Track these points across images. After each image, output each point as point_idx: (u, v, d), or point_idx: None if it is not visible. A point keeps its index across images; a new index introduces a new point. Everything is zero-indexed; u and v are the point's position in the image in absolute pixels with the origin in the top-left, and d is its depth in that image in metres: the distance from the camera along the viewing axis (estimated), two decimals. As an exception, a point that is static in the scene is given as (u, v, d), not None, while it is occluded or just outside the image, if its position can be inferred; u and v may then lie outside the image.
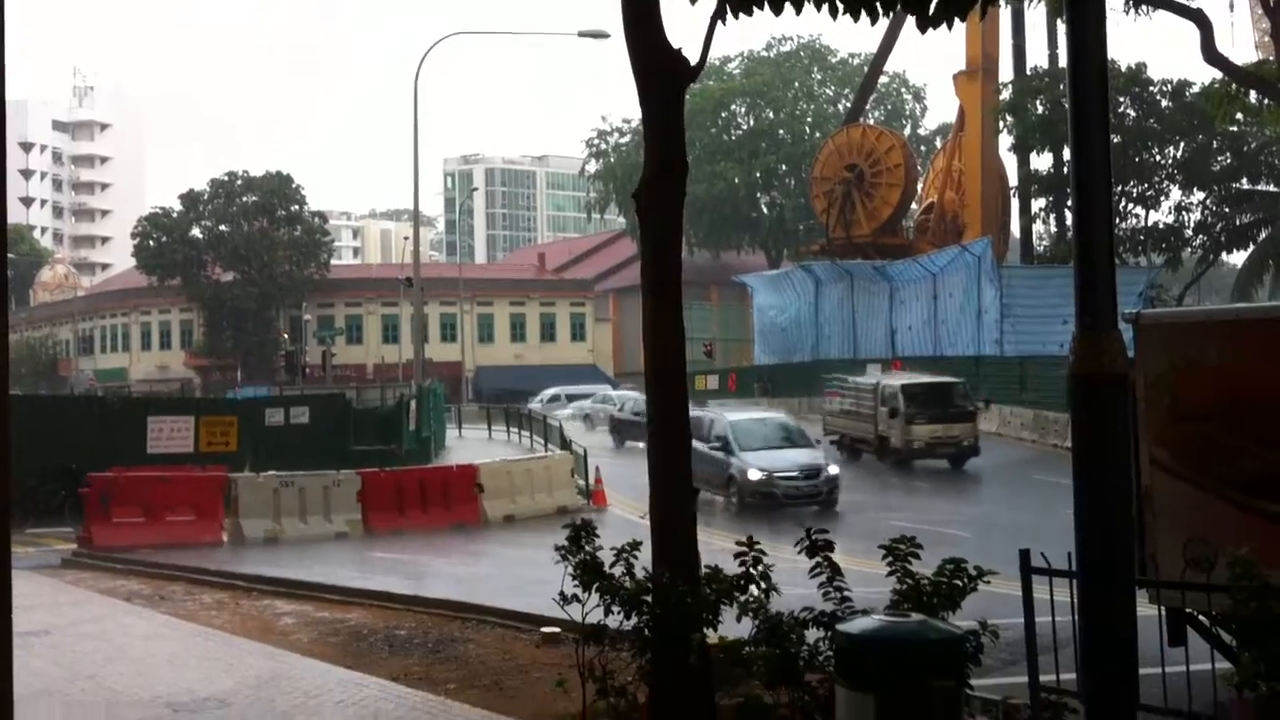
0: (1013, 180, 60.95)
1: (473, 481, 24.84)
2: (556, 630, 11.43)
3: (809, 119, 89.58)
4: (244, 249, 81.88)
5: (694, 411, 25.35)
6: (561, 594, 8.65)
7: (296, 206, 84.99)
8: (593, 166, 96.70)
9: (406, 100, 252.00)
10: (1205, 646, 9.20)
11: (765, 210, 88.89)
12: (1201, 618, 9.50)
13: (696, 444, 23.17)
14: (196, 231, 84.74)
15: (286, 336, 77.64)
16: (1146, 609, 9.39)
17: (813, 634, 7.44)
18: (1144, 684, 8.08)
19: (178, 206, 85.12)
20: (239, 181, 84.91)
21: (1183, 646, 9.53)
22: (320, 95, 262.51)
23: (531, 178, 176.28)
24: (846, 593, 7.49)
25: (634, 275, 76.88)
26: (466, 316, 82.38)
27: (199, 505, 21.82)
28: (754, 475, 24.78)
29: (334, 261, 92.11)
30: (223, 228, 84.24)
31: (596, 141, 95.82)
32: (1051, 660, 8.58)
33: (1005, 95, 57.45)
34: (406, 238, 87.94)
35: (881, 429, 33.05)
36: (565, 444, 32.82)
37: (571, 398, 62.90)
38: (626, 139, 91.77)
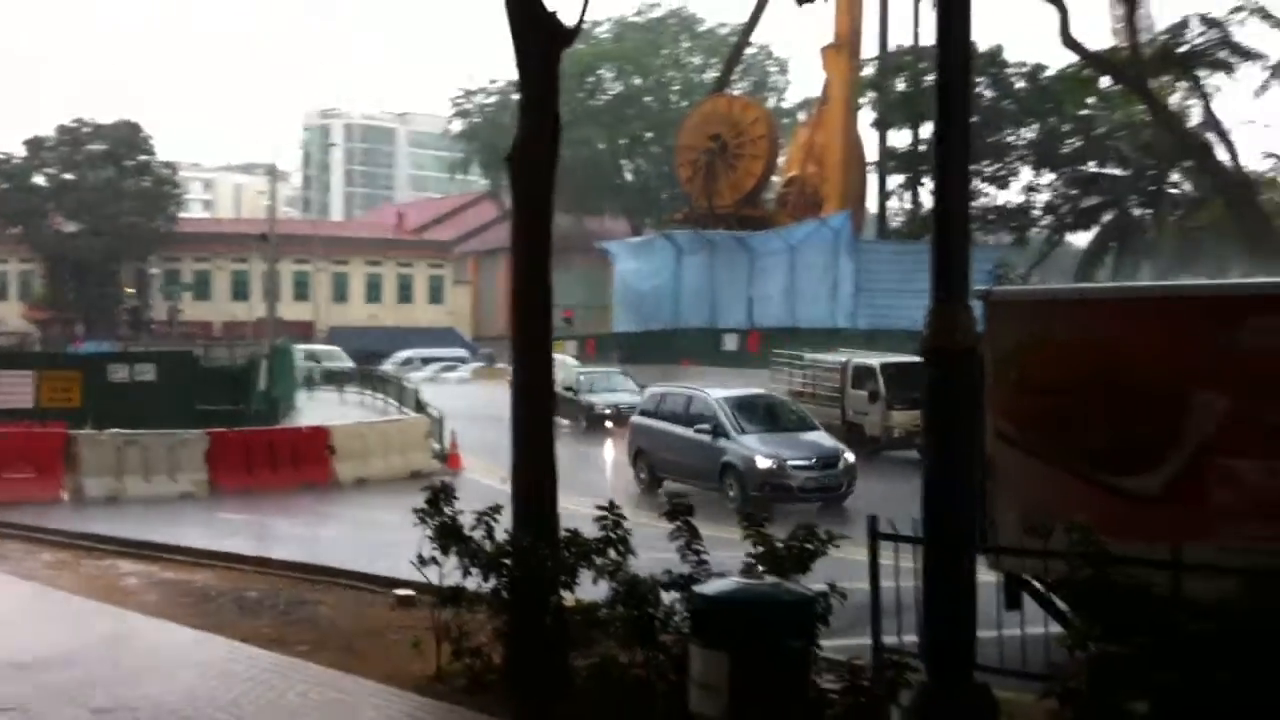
0: (872, 156, 62.14)
1: (324, 443, 24.46)
2: (410, 593, 11.37)
3: (676, 87, 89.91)
4: (89, 199, 78.82)
5: (667, 388, 25.49)
6: (419, 556, 8.63)
7: (145, 156, 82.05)
8: (457, 126, 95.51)
9: (264, 52, 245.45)
10: (1039, 612, 9.61)
11: (630, 177, 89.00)
12: (1036, 583, 9.90)
13: (672, 428, 22.53)
14: (40, 179, 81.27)
15: (132, 291, 75.18)
16: (988, 575, 9.77)
17: (670, 599, 7.56)
18: (982, 646, 8.41)
19: (20, 152, 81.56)
20: (86, 129, 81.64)
21: (1018, 611, 9.96)
22: (173, 44, 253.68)
23: (392, 135, 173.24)
24: (704, 556, 7.61)
25: (496, 238, 76.50)
26: (321, 275, 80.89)
27: (38, 462, 21.09)
28: (763, 464, 20.43)
29: (183, 215, 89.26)
30: (68, 176, 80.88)
31: (462, 101, 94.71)
32: (897, 623, 8.87)
33: (868, 72, 58.48)
34: (261, 192, 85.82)
35: (853, 414, 29.02)
36: (420, 407, 32.51)
37: (427, 360, 62.34)
38: (493, 99, 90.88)
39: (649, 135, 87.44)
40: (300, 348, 54.22)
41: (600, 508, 8.26)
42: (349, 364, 54.95)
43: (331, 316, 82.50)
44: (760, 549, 7.63)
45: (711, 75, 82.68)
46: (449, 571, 8.63)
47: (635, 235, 79.37)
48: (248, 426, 26.67)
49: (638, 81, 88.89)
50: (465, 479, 23.34)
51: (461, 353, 67.55)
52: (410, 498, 9.07)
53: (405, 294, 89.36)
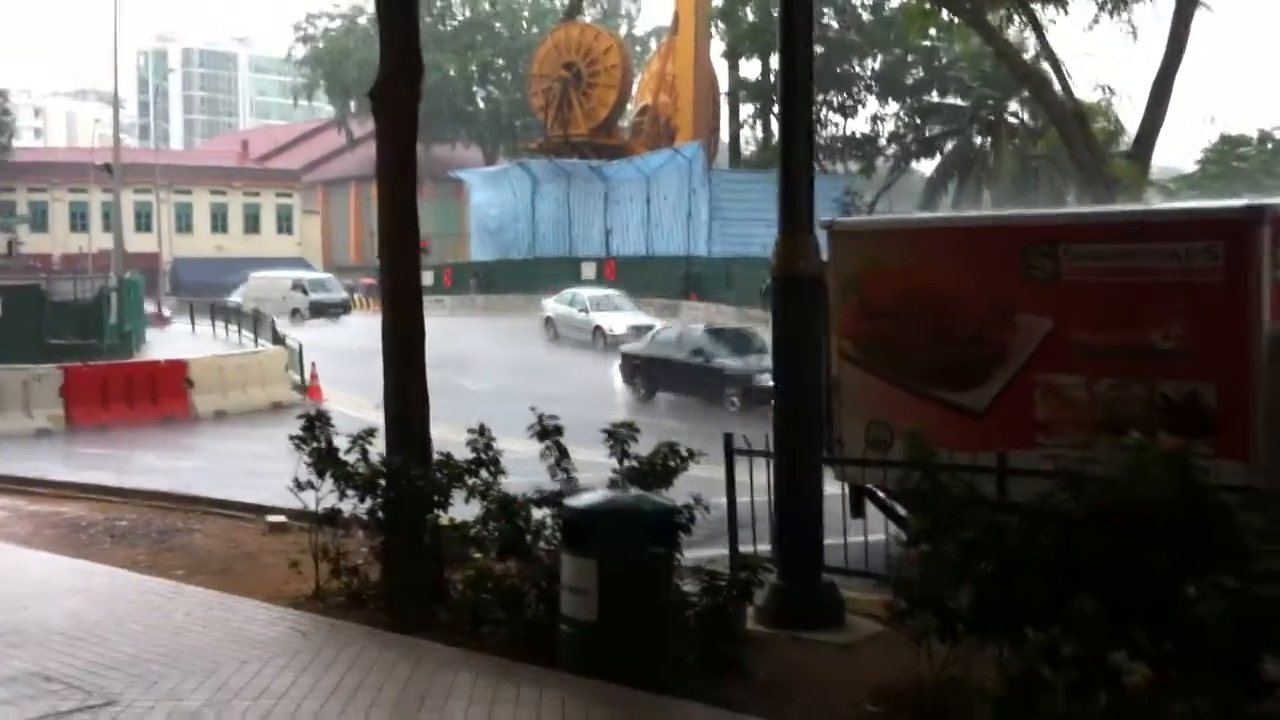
0: (724, 86, 62.73)
1: (182, 376, 24.29)
2: (283, 519, 11.64)
3: (526, 13, 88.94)
4: (-86, 126, 75.00)
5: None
6: (296, 480, 8.95)
7: (-29, 81, 78.20)
8: (301, 51, 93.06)
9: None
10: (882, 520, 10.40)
11: (482, 104, 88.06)
12: (879, 492, 10.70)
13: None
14: None
15: (-36, 223, 72.03)
16: (835, 486, 10.53)
17: (542, 515, 8.04)
18: (830, 550, 9.16)
19: None
20: (-95, 51, 77.27)
21: (862, 518, 10.76)
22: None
23: (233, 60, 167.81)
24: (573, 474, 8.11)
25: (344, 166, 75.18)
26: (163, 205, 78.37)
27: (-118, 400, 20.59)
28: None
29: (14, 143, 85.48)
30: (-110, 103, 76.85)
31: (305, 25, 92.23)
32: (753, 534, 9.55)
33: (719, 1, 58.86)
34: (97, 120, 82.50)
35: None
36: (278, 339, 32.29)
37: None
38: (338, 24, 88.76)
39: (500, 62, 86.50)
40: (280, 275, 57.19)
41: (471, 430, 8.68)
42: (341, 294, 56.13)
43: (177, 248, 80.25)
44: (625, 465, 8.16)
45: (562, 2, 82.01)
46: (325, 496, 8.98)
47: (489, 164, 78.81)
48: (101, 361, 26.27)
49: (487, 7, 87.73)
50: (328, 410, 23.40)
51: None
52: (271, 429, 9.33)
53: (252, 224, 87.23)
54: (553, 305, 41.78)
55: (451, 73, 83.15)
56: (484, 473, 8.52)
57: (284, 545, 10.76)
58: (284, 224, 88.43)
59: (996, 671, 5.98)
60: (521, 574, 7.93)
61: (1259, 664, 5.49)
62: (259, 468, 15.13)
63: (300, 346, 28.84)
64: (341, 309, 54.09)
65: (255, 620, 8.43)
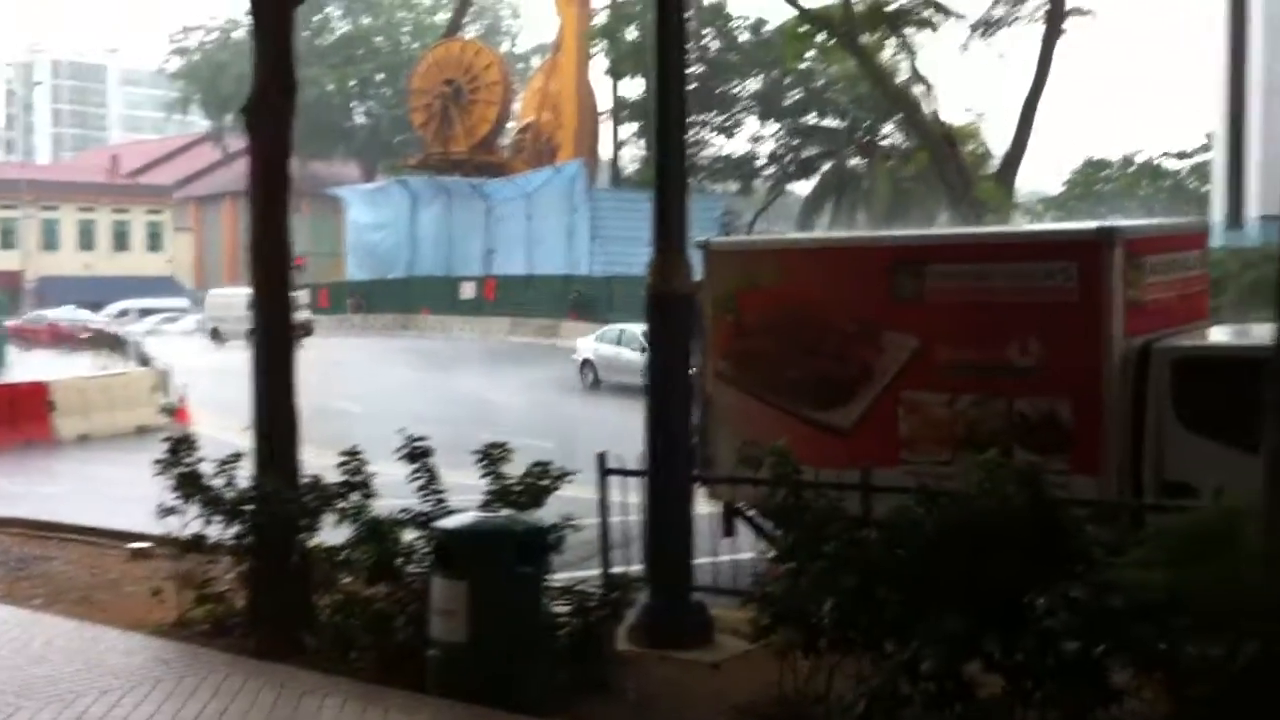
0: (606, 104, 63.05)
1: (43, 399, 23.56)
2: (146, 545, 11.39)
3: (407, 28, 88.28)
4: None
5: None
6: (160, 506, 8.76)
7: None
8: (174, 64, 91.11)
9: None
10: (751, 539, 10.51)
11: (360, 120, 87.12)
12: (750, 511, 10.82)
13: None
14: None
15: None
16: (708, 505, 10.64)
17: (413, 538, 7.98)
18: (700, 570, 9.25)
19: None
20: None
21: (733, 537, 10.88)
22: None
23: (103, 72, 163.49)
24: (442, 495, 8.08)
25: (219, 182, 73.01)
26: (29, 222, 76.00)
27: None
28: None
29: None
30: None
31: (180, 37, 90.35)
32: (625, 554, 9.60)
33: (601, 20, 59.18)
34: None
35: None
36: (145, 360, 31.51)
37: (146, 312, 59.88)
38: (213, 36, 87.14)
39: (380, 77, 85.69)
40: (238, 292, 51.38)
41: (342, 454, 8.60)
42: (303, 314, 51.05)
43: (42, 266, 77.81)
44: (497, 487, 8.15)
45: (443, 18, 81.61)
46: (190, 521, 8.80)
47: (368, 181, 77.92)
48: (-43, 384, 25.35)
49: (367, 21, 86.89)
50: (195, 433, 22.90)
51: (183, 303, 65.10)
52: (136, 453, 9.13)
53: (121, 241, 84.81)
54: (594, 345, 33.50)
55: (329, 88, 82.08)
56: (355, 495, 8.44)
57: (147, 572, 10.52)
58: (154, 241, 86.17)
59: (857, 686, 6.11)
60: (391, 597, 7.87)
61: (1106, 672, 5.70)
62: (123, 493, 14.74)
63: (168, 367, 28.19)
64: (303, 330, 50.66)
65: (116, 649, 8.23)
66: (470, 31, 79.44)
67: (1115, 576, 5.92)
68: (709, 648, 8.41)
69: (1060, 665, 5.65)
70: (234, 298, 49.41)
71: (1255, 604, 5.42)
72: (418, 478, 8.25)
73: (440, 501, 8.09)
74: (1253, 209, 47.25)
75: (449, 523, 7.25)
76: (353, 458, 8.55)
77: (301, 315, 50.29)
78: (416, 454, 8.33)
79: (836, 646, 6.43)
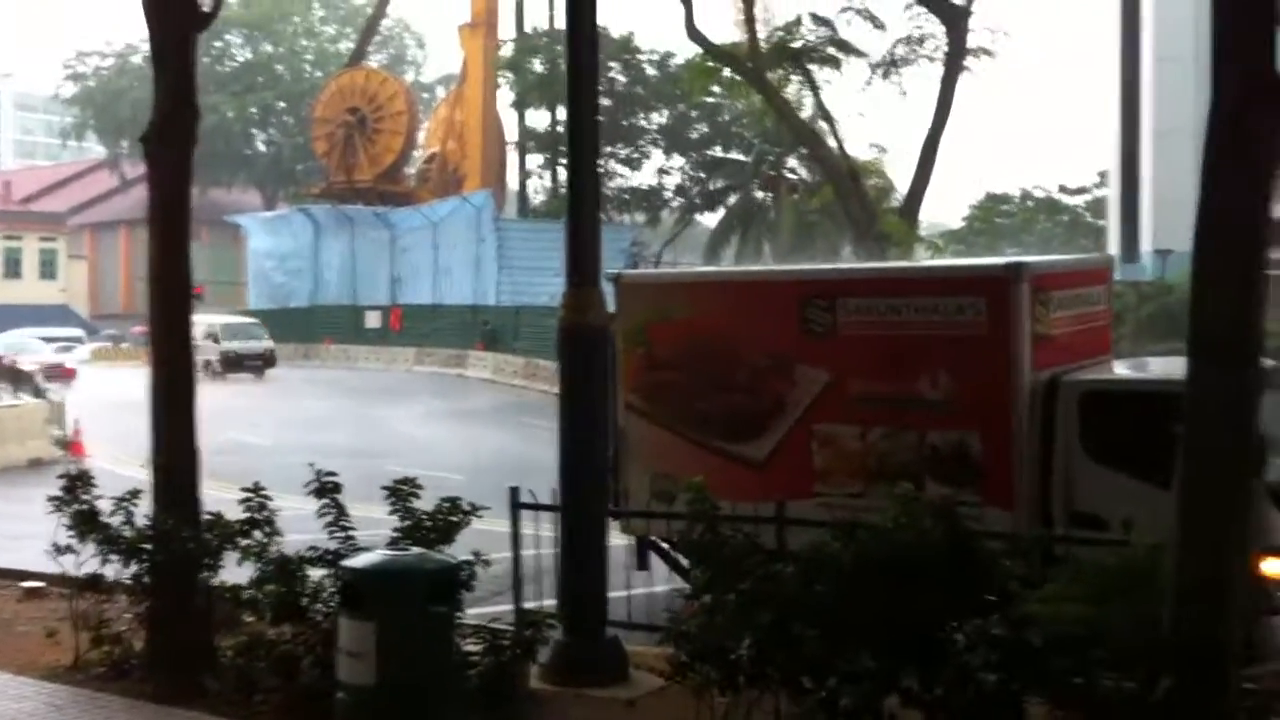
0: (513, 135, 62.93)
1: (-70, 432, 22.75)
2: (40, 585, 10.99)
3: (310, 56, 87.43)
4: None
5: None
6: (55, 545, 8.45)
7: None
8: (69, 89, 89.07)
9: None
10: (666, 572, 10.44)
11: (262, 148, 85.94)
12: (663, 544, 10.76)
13: None
14: None
15: None
16: (622, 538, 10.55)
17: (320, 575, 7.79)
18: (614, 604, 9.14)
19: None
20: None
21: (647, 571, 10.81)
22: None
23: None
24: (351, 532, 7.88)
25: (114, 209, 70.88)
26: (-83, 247, 73.61)
27: None
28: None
29: None
30: None
31: (75, 63, 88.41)
32: (538, 589, 9.46)
33: (507, 51, 59.16)
34: None
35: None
36: (39, 392, 30.57)
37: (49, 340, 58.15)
38: (109, 62, 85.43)
39: (282, 105, 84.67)
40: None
41: (245, 490, 8.36)
42: (263, 343, 46.57)
43: (-71, 294, 75.31)
44: (407, 523, 7.98)
45: (347, 46, 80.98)
46: (87, 559, 8.50)
47: (269, 209, 76.82)
48: None
49: (269, 49, 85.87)
50: (92, 467, 22.26)
51: (78, 332, 63.29)
52: (30, 488, 8.81)
53: (13, 269, 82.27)
54: None
55: (230, 114, 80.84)
56: (258, 533, 8.21)
57: (41, 613, 10.14)
58: (48, 269, 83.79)
59: (776, 723, 6.05)
60: (297, 639, 7.64)
61: (1022, 705, 5.70)
62: (14, 529, 14.23)
63: (61, 399, 27.41)
64: (262, 361, 45.37)
65: (7, 694, 7.91)
66: (374, 60, 78.87)
67: (1033, 610, 5.95)
68: (624, 684, 8.30)
69: (979, 699, 5.64)
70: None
71: (1170, 639, 5.47)
72: (326, 513, 8.05)
73: (348, 538, 7.89)
74: (1146, 243, 48.62)
75: (357, 561, 7.05)
76: (256, 493, 8.32)
77: (264, 344, 46.12)
78: (324, 489, 8.13)
79: (754, 683, 6.37)
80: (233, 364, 43.75)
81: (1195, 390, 5.64)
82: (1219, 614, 5.40)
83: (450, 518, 7.98)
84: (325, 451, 8.93)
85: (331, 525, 7.98)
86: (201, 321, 47.54)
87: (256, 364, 44.59)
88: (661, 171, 62.36)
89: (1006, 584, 6.17)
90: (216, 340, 44.14)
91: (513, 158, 63.93)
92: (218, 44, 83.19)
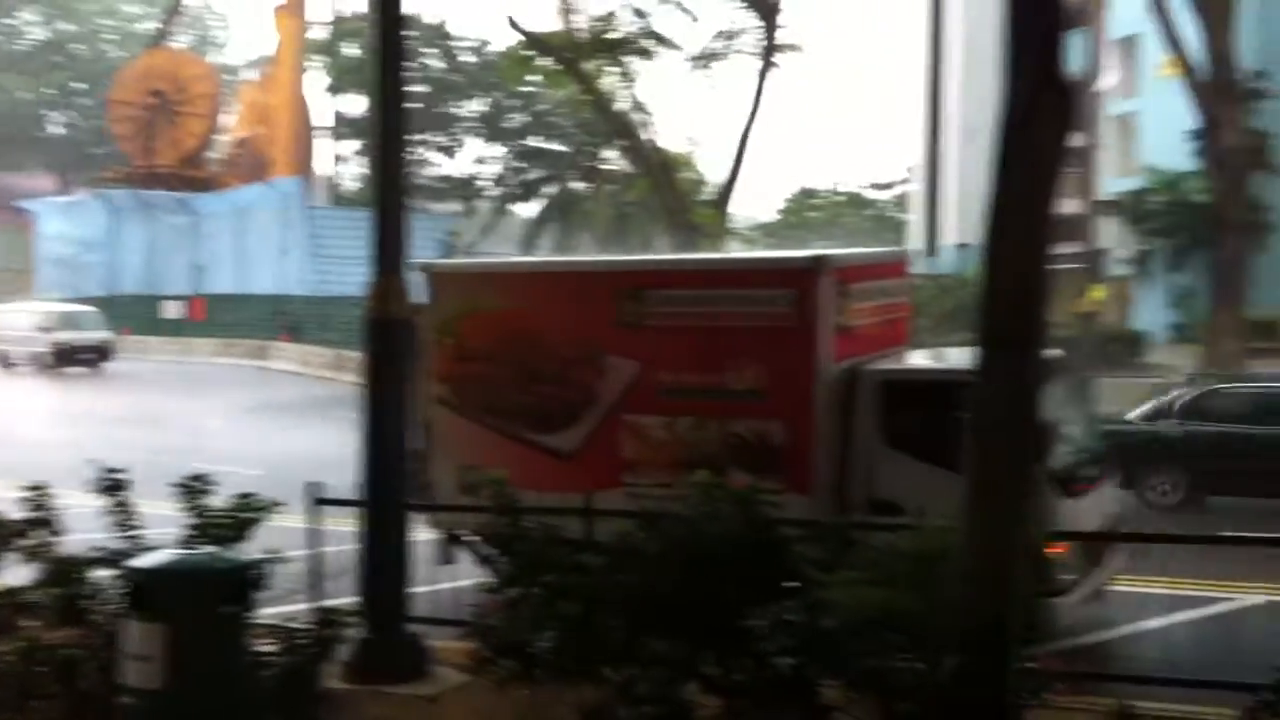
0: (326, 121, 61.58)
1: None
2: None
3: (111, 36, 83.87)
4: None
5: None
6: None
7: None
8: None
9: None
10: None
11: (59, 130, 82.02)
12: (470, 538, 10.63)
13: None
14: None
15: None
16: (430, 533, 10.39)
17: (105, 576, 7.44)
18: (419, 600, 8.98)
19: None
20: None
21: (454, 564, 10.67)
22: None
23: None
24: (139, 530, 7.54)
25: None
26: None
27: None
28: None
29: None
30: None
31: None
32: (339, 586, 9.23)
33: (319, 35, 57.84)
34: None
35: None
36: None
37: None
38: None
39: (81, 86, 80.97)
40: (26, 309, 43.50)
41: (26, 488, 7.93)
42: (99, 334, 42.40)
43: None
44: (198, 520, 7.68)
45: (150, 26, 77.89)
46: None
47: (65, 194, 73.37)
48: None
49: (66, 27, 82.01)
50: None
51: None
52: None
53: None
54: None
55: (26, 95, 76.96)
56: (39, 532, 7.79)
57: None
58: None
59: (578, 714, 6.02)
60: (79, 642, 7.28)
61: (817, 689, 5.81)
62: None
63: None
64: (97, 354, 41.71)
65: None
66: (179, 42, 76.06)
67: (828, 596, 6.07)
68: (426, 681, 8.14)
69: (775, 684, 5.73)
70: (19, 315, 43.02)
71: (959, 621, 5.63)
72: (112, 512, 7.68)
73: (136, 538, 7.55)
74: (949, 238, 50.47)
75: (144, 561, 6.74)
76: (37, 491, 7.89)
77: (101, 334, 42.31)
78: (110, 486, 7.76)
79: (556, 675, 6.33)
80: (66, 357, 40.59)
81: (981, 379, 5.82)
82: (1001, 596, 5.59)
83: (244, 514, 7.71)
84: (116, 446, 8.51)
85: (118, 524, 7.62)
86: (31, 310, 43.11)
87: (91, 357, 41.32)
88: (479, 160, 61.91)
89: (804, 570, 6.27)
90: (48, 331, 41.03)
91: (326, 144, 62.60)
92: (10, 21, 79.13)
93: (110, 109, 65.25)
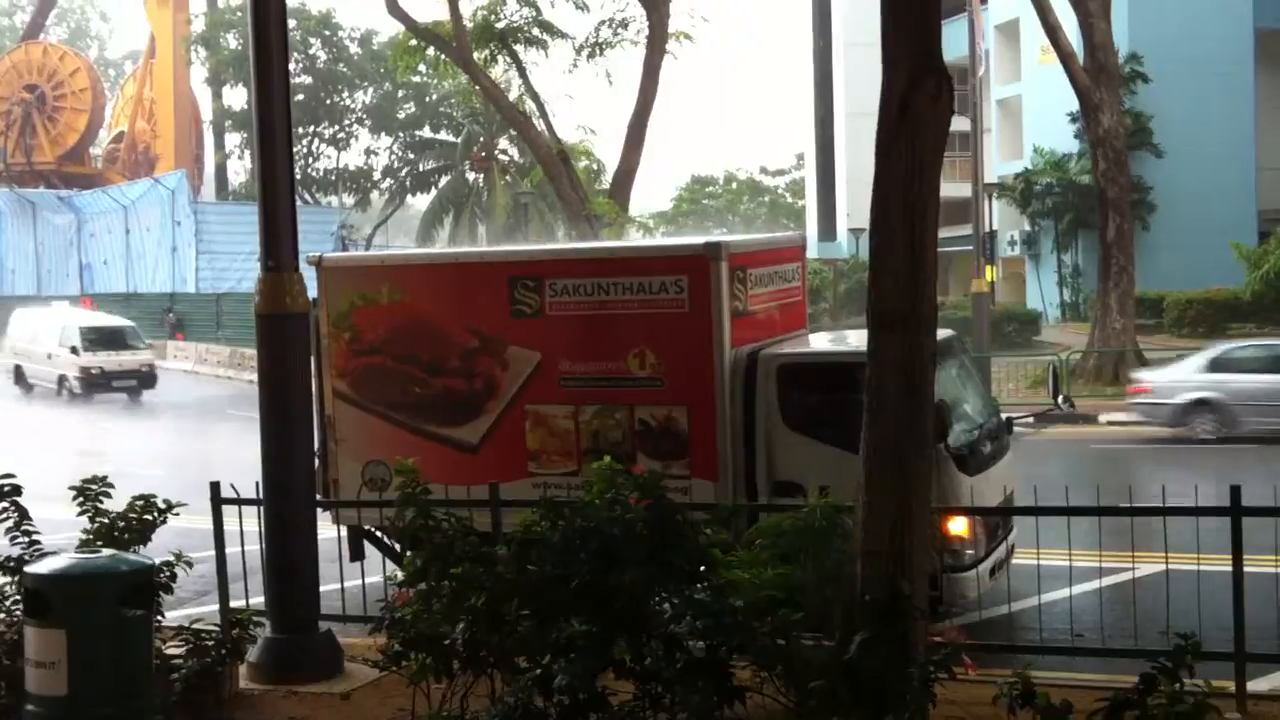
0: (209, 114, 60.32)
1: None
2: None
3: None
4: None
5: None
6: None
7: None
8: None
9: None
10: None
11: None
12: (377, 532, 10.58)
13: None
14: None
15: None
16: (334, 529, 10.31)
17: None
18: (329, 597, 8.93)
19: None
20: None
21: (361, 560, 10.60)
22: None
23: None
24: (35, 536, 7.40)
25: None
26: None
27: None
28: None
29: None
30: None
31: None
32: (247, 586, 9.14)
33: (198, 26, 56.61)
34: None
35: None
36: None
37: None
38: None
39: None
40: (54, 314, 35.47)
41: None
42: (142, 355, 33.58)
43: None
44: (98, 523, 7.56)
45: (22, 20, 75.59)
46: None
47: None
48: None
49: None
50: None
51: None
52: None
53: None
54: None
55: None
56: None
57: None
58: None
59: (492, 706, 6.05)
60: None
61: (729, 669, 5.91)
62: None
63: None
64: (137, 380, 32.78)
65: None
66: (54, 35, 73.98)
67: (733, 576, 6.18)
68: (338, 678, 8.12)
69: (688, 666, 5.82)
70: (46, 324, 34.56)
71: (860, 597, 5.78)
72: (5, 518, 7.52)
73: (33, 543, 7.41)
74: (843, 222, 51.16)
75: (41, 566, 6.61)
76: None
77: (142, 355, 32.96)
78: (3, 492, 7.58)
79: (470, 667, 6.36)
80: (94, 384, 32.24)
81: (874, 359, 5.98)
82: (900, 571, 5.75)
83: (145, 516, 7.60)
84: (13, 453, 8.31)
85: (12, 530, 7.47)
86: (51, 323, 33.76)
87: (130, 384, 32.71)
88: (369, 152, 61.15)
89: (710, 553, 6.37)
90: (77, 352, 32.64)
91: (210, 137, 61.28)
92: None
93: (-17, 104, 63.25)
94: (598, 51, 33.42)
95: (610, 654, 5.94)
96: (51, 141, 58.87)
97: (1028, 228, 43.83)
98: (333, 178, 59.96)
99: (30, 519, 7.53)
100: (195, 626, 7.48)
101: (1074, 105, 30.68)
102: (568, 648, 5.85)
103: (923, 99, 5.88)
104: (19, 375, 34.93)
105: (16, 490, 7.60)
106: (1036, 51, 40.22)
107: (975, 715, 6.13)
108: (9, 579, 7.12)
